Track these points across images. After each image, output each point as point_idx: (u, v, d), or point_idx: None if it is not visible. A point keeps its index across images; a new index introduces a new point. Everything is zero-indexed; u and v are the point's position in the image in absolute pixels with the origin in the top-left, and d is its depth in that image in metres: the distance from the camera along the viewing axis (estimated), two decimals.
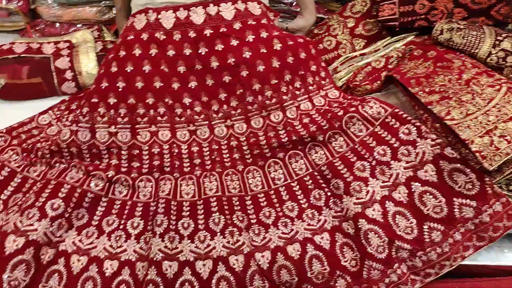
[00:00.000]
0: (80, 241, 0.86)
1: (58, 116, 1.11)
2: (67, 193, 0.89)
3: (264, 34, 1.00)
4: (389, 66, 1.11)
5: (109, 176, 0.94)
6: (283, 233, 0.88)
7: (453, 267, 0.84)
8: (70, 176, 0.93)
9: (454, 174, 0.86)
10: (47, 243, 0.82)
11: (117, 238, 0.87)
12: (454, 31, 1.02)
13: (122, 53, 0.98)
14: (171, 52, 0.98)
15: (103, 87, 0.96)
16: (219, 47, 0.98)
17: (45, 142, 1.01)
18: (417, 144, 0.90)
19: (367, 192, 0.89)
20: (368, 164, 0.92)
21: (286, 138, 0.96)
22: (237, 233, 0.87)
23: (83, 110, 0.98)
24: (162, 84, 0.97)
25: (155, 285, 0.80)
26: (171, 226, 0.87)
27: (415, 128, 0.91)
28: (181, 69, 0.99)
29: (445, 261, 0.84)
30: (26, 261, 0.78)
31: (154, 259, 0.82)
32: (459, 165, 0.86)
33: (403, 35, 1.17)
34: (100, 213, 0.91)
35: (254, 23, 1.00)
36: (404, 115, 0.93)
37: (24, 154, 0.99)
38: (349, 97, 1.04)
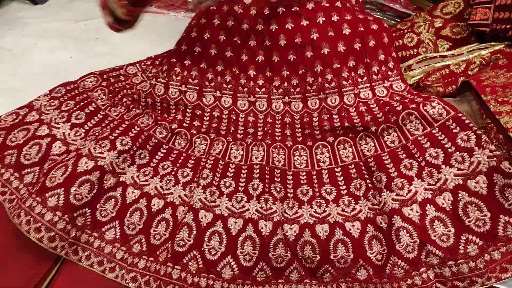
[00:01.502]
0: (137, 177, 0.98)
1: (143, 69, 1.25)
2: (135, 134, 1.01)
3: (335, 18, 1.01)
4: (469, 73, 1.06)
5: (172, 127, 1.05)
6: (315, 212, 0.90)
7: (485, 286, 0.79)
8: (141, 120, 1.06)
9: (506, 190, 0.81)
10: (111, 171, 0.95)
11: (168, 182, 0.98)
12: None
13: (203, 20, 1.07)
14: (245, 26, 1.05)
15: (182, 50, 1.07)
16: (289, 25, 1.02)
17: (130, 90, 1.15)
18: (474, 152, 0.86)
19: (409, 191, 0.87)
20: (417, 164, 0.90)
21: (339, 123, 0.97)
22: (271, 201, 0.91)
23: (163, 67, 1.09)
24: (233, 54, 1.04)
25: (190, 228, 0.88)
26: (214, 182, 0.95)
27: (475, 136, 0.87)
28: (252, 43, 1.05)
29: (477, 277, 0.79)
30: (91, 182, 0.91)
31: (194, 206, 0.91)
32: None
33: (492, 43, 1.09)
34: (158, 158, 1.02)
35: (327, 5, 1.02)
36: (467, 121, 0.89)
37: (110, 95, 1.15)
38: (414, 92, 1.01)
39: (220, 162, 0.98)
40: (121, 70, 1.25)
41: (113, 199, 0.95)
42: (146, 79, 1.20)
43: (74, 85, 1.16)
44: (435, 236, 0.82)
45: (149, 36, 1.44)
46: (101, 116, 1.09)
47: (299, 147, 1.00)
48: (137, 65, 1.27)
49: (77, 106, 1.10)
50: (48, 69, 1.29)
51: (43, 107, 1.09)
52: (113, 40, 1.40)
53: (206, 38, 1.05)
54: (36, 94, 1.12)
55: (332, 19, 1.01)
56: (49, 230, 0.86)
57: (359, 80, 1.01)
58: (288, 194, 0.93)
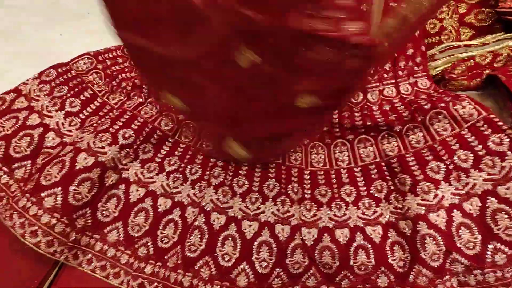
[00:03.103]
0: (141, 173, 0.90)
1: None
2: (139, 126, 0.93)
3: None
4: (495, 65, 1.00)
5: (180, 119, 0.96)
6: (335, 215, 0.85)
7: None
8: (145, 111, 0.97)
9: None
10: (113, 167, 0.87)
11: (175, 179, 0.90)
12: None
13: None
14: None
15: None
16: None
17: (129, 73, 1.05)
18: (506, 157, 0.81)
19: (436, 195, 0.82)
20: (445, 166, 0.84)
21: (361, 122, 0.91)
22: (289, 203, 0.86)
23: None
24: None
25: (201, 232, 0.82)
26: (226, 181, 0.88)
27: (508, 139, 0.82)
28: None
29: (503, 287, 0.77)
30: (92, 180, 0.84)
31: (205, 208, 0.84)
32: None
33: None
34: (164, 152, 0.94)
35: None
36: (499, 123, 0.84)
37: (107, 79, 1.04)
38: (440, 90, 0.95)
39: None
40: (118, 51, 1.14)
41: (115, 198, 0.87)
42: None
43: (66, 67, 1.05)
44: (460, 243, 0.79)
45: None
46: (98, 104, 0.99)
47: (317, 144, 0.94)
48: None
49: (71, 92, 1.00)
50: (36, 49, 1.16)
51: (32, 92, 0.98)
52: None
53: None
54: (24, 76, 1.01)
55: None
56: (46, 234, 0.79)
57: (385, 75, 0.94)
58: (306, 195, 0.88)
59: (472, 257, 0.78)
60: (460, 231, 0.80)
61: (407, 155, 0.87)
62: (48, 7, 1.28)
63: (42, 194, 0.80)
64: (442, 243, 0.79)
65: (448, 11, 1.12)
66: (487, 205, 0.81)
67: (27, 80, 1.01)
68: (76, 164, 0.83)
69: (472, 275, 0.78)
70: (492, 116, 0.85)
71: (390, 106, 0.92)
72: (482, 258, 0.78)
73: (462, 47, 1.05)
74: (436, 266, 0.78)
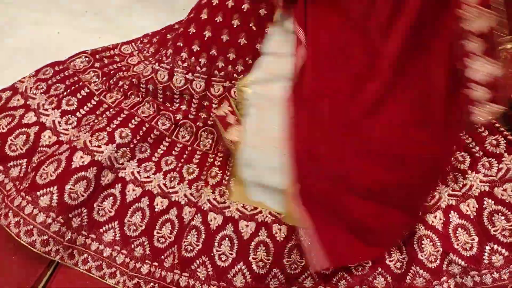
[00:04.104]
0: (138, 172, 0.90)
1: (140, 48, 1.14)
2: (136, 125, 0.92)
3: None
4: None
5: (177, 118, 0.96)
6: None
7: None
8: (142, 110, 0.96)
9: None
10: (109, 167, 0.87)
11: (172, 179, 0.90)
12: None
13: (216, 1, 0.96)
14: (262, 11, 0.94)
15: (190, 33, 0.96)
16: None
17: (126, 72, 1.05)
18: (503, 159, 0.81)
19: (433, 197, 0.82)
20: None
21: None
22: None
23: (168, 51, 0.99)
24: (246, 42, 0.94)
25: (198, 232, 0.82)
26: (224, 181, 0.88)
27: (505, 141, 0.82)
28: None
29: None
30: (88, 179, 0.83)
31: (202, 207, 0.84)
32: None
33: None
34: (161, 151, 0.94)
35: None
36: (497, 125, 0.84)
37: (104, 78, 1.03)
38: None
39: (229, 159, 0.90)
40: (116, 50, 1.14)
41: (111, 197, 0.87)
42: (143, 59, 1.09)
43: (63, 65, 1.04)
44: (457, 245, 0.79)
45: (150, 10, 1.29)
46: (95, 103, 0.99)
47: None
48: (133, 44, 1.16)
49: (68, 91, 0.99)
50: (33, 46, 1.14)
51: (29, 90, 0.97)
52: (107, 14, 1.25)
53: (218, 21, 0.94)
54: (20, 74, 1.00)
55: None
56: (42, 233, 0.78)
57: None
58: None
59: (469, 259, 0.78)
60: (457, 232, 0.80)
61: None
62: (46, 4, 1.27)
63: (38, 193, 0.79)
64: (439, 244, 0.79)
65: None
66: (484, 206, 0.81)
67: (24, 78, 1.00)
68: (72, 163, 0.83)
69: (469, 277, 0.79)
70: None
71: None
72: (479, 259, 0.78)
73: None
74: (433, 267, 0.78)
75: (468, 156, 0.84)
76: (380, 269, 0.80)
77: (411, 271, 0.79)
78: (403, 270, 0.80)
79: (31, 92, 0.97)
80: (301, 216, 0.73)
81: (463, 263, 0.78)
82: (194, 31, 0.95)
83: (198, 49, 0.95)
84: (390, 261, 0.81)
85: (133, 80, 1.00)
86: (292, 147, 0.71)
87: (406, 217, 0.75)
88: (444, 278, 0.78)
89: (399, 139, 0.68)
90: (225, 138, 0.85)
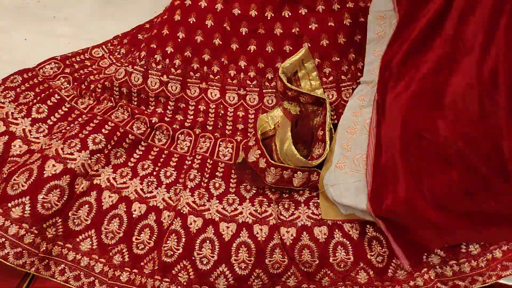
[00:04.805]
0: (114, 179, 0.88)
1: (111, 50, 1.12)
2: (110, 131, 0.90)
3: (335, 6, 0.94)
4: None
5: (152, 122, 0.94)
6: (313, 213, 0.85)
7: (486, 284, 0.79)
8: (115, 115, 0.94)
9: None
10: (83, 174, 0.84)
11: (149, 184, 0.88)
12: None
13: (188, 2, 0.95)
14: (236, 11, 0.94)
15: (163, 34, 0.95)
16: (286, 13, 0.94)
17: (98, 75, 1.03)
18: None
19: None
20: None
21: (337, 122, 0.92)
22: (266, 203, 0.85)
23: (141, 53, 0.97)
24: (221, 42, 0.94)
25: (178, 236, 0.80)
26: (202, 184, 0.87)
27: None
28: (243, 30, 0.95)
29: (478, 276, 0.79)
30: (61, 187, 0.81)
31: (181, 211, 0.83)
32: None
33: None
34: (137, 156, 0.92)
35: None
36: None
37: (75, 83, 1.01)
38: None
39: (208, 161, 0.89)
40: (86, 54, 1.11)
41: (87, 205, 0.84)
42: (115, 61, 1.07)
43: (32, 72, 1.01)
44: None
45: (120, 14, 1.26)
46: (66, 109, 0.96)
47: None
48: (103, 46, 1.13)
49: (38, 98, 0.96)
50: None
51: None
52: (76, 20, 1.22)
53: (191, 22, 0.93)
54: None
55: (333, 7, 0.94)
56: (15, 245, 0.75)
57: (359, 74, 0.95)
58: (284, 195, 0.87)
59: (447, 249, 0.80)
60: None
61: None
62: (13, 11, 1.23)
63: (9, 204, 0.77)
64: None
65: None
66: None
67: None
68: (44, 172, 0.80)
69: (448, 266, 0.80)
70: None
71: None
72: (457, 249, 0.80)
73: None
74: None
75: None
76: (362, 264, 0.81)
77: (392, 264, 0.80)
78: (384, 263, 0.81)
79: None
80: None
81: (442, 253, 0.80)
82: (168, 32, 0.94)
83: (172, 50, 0.94)
84: (371, 255, 0.81)
85: (105, 83, 0.98)
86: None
87: None
88: (425, 269, 0.79)
89: None
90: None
